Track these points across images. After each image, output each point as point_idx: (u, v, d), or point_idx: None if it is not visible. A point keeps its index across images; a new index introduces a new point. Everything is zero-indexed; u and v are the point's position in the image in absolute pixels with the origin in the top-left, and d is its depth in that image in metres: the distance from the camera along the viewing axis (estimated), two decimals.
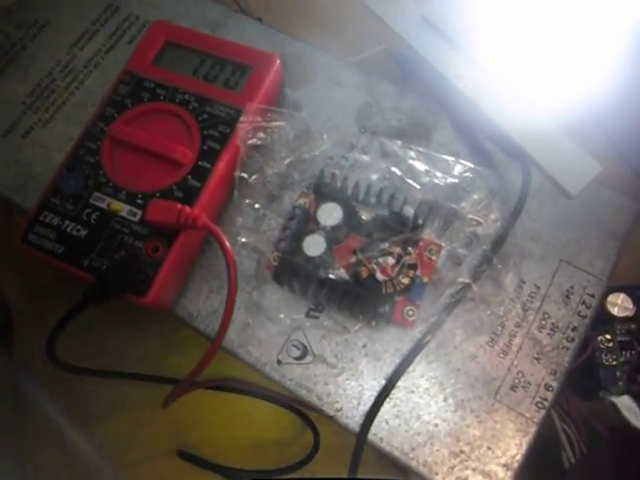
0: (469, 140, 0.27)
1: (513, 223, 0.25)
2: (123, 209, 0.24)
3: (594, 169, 0.26)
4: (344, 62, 0.29)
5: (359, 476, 0.23)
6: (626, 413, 0.21)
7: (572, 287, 0.25)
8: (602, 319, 0.28)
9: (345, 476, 0.23)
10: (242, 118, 0.25)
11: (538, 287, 0.25)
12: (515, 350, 0.24)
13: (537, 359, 0.24)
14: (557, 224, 0.26)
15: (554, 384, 0.23)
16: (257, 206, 0.26)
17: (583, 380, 0.28)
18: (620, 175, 0.32)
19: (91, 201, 0.24)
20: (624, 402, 0.21)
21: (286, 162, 0.27)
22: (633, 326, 0.29)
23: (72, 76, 0.30)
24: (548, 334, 0.24)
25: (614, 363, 0.28)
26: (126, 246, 0.23)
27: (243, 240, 0.26)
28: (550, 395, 0.23)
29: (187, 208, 0.22)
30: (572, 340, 0.24)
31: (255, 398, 0.28)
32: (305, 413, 0.28)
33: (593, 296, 0.25)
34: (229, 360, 0.25)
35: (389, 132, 0.27)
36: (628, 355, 0.28)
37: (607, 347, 0.28)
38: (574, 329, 0.24)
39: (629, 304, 0.28)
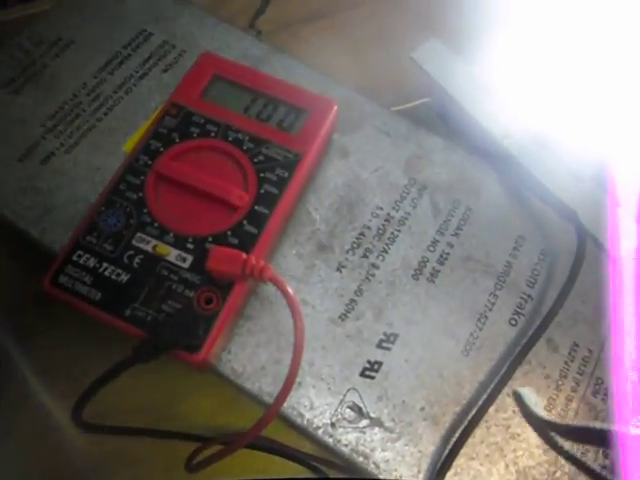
0: (518, 198, 0.27)
1: (571, 286, 0.25)
2: (171, 253, 0.22)
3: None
4: (391, 111, 0.29)
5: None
6: (528, 402, 0.23)
7: None
8: None
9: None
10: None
11: (591, 351, 0.25)
12: (572, 415, 0.24)
13: None
14: (605, 287, 0.26)
15: (610, 450, 0.23)
16: (306, 256, 0.25)
17: None
18: None
19: (134, 242, 0.22)
20: (527, 392, 0.23)
21: (334, 209, 0.26)
22: None
23: (100, 101, 0.27)
24: (602, 399, 0.24)
25: None
26: (175, 296, 0.21)
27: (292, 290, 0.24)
28: (607, 462, 0.23)
29: (252, 258, 0.21)
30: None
31: (283, 458, 0.26)
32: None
33: None
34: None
35: (439, 185, 0.27)
36: None
37: None
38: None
39: None
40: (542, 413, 0.22)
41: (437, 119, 0.30)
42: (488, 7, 0.31)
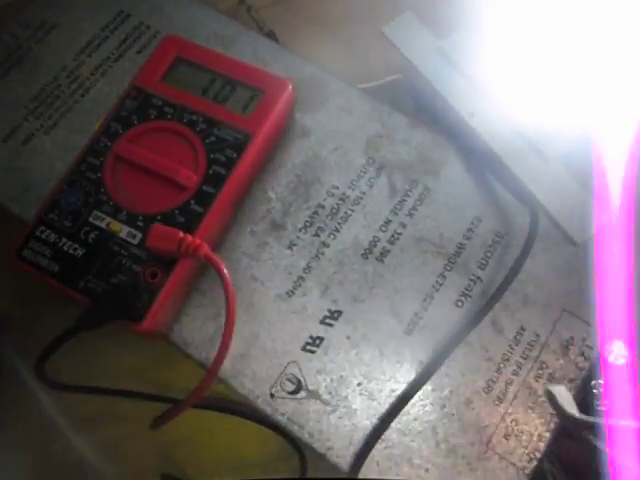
0: (478, 179, 0.27)
1: (518, 269, 0.24)
2: (122, 230, 0.24)
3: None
4: (356, 89, 0.29)
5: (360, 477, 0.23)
6: (561, 401, 0.22)
7: (572, 337, 0.25)
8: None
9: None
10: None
11: (538, 335, 0.25)
12: (510, 398, 0.24)
13: (532, 408, 0.24)
14: (562, 271, 0.26)
15: (547, 435, 0.23)
16: (259, 233, 0.26)
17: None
18: None
19: (90, 219, 0.24)
20: (560, 391, 0.22)
21: (290, 188, 0.27)
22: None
23: (78, 83, 0.29)
24: (544, 384, 0.24)
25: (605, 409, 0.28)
26: (123, 269, 0.23)
27: (243, 267, 0.25)
28: (542, 446, 0.23)
29: (189, 237, 0.22)
30: (568, 391, 0.24)
31: (243, 419, 0.27)
32: (293, 437, 0.28)
33: (591, 348, 0.25)
34: None
35: (398, 165, 0.27)
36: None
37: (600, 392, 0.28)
38: (571, 380, 0.24)
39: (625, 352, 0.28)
40: (576, 412, 0.21)
41: (407, 97, 0.29)
42: None
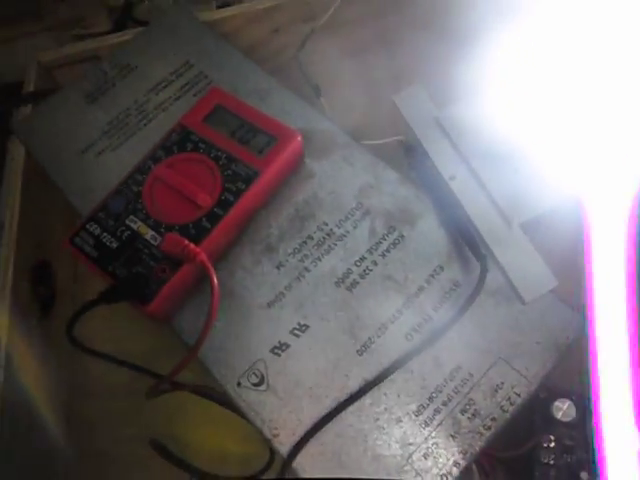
0: (447, 233, 0.31)
1: (460, 316, 0.28)
2: (148, 233, 0.30)
3: (551, 283, 0.29)
4: (360, 145, 0.34)
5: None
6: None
7: (502, 383, 0.28)
8: (547, 420, 0.31)
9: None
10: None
11: (472, 375, 0.28)
12: (436, 424, 0.27)
13: (453, 437, 0.27)
14: (507, 325, 0.29)
15: (462, 462, 0.27)
16: (256, 252, 0.32)
17: (519, 472, 0.31)
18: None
19: (127, 221, 0.31)
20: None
21: (289, 219, 0.32)
22: (574, 433, 0.31)
23: (143, 115, 0.37)
24: (469, 418, 0.27)
25: (551, 462, 0.31)
26: (143, 263, 0.30)
27: (238, 277, 0.31)
28: (456, 471, 0.27)
29: (191, 245, 0.28)
30: (489, 428, 0.27)
31: (229, 411, 0.33)
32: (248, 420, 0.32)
33: (519, 395, 0.28)
34: None
35: (381, 212, 0.32)
36: (568, 459, 0.31)
37: (549, 447, 0.31)
38: (493, 419, 0.27)
39: (572, 411, 0.31)
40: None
41: (402, 155, 0.34)
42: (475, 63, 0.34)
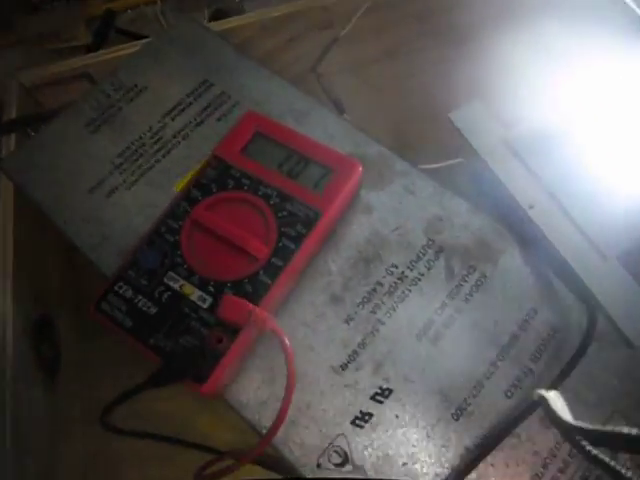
0: (535, 271, 0.27)
1: (573, 366, 0.25)
2: (194, 293, 0.25)
3: None
4: (421, 171, 0.30)
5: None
6: (554, 406, 0.21)
7: None
8: None
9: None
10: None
11: None
12: None
13: None
14: (615, 373, 0.26)
15: None
16: (318, 304, 0.27)
17: None
18: None
19: (165, 280, 0.26)
20: (553, 396, 0.21)
21: (350, 263, 0.28)
22: None
23: (161, 144, 0.31)
24: None
25: None
26: (192, 331, 0.24)
27: (300, 336, 0.26)
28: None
29: (257, 310, 0.23)
30: None
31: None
32: None
33: None
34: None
35: (456, 249, 0.28)
36: None
37: None
38: None
39: None
40: (569, 417, 0.21)
41: (468, 181, 0.30)
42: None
